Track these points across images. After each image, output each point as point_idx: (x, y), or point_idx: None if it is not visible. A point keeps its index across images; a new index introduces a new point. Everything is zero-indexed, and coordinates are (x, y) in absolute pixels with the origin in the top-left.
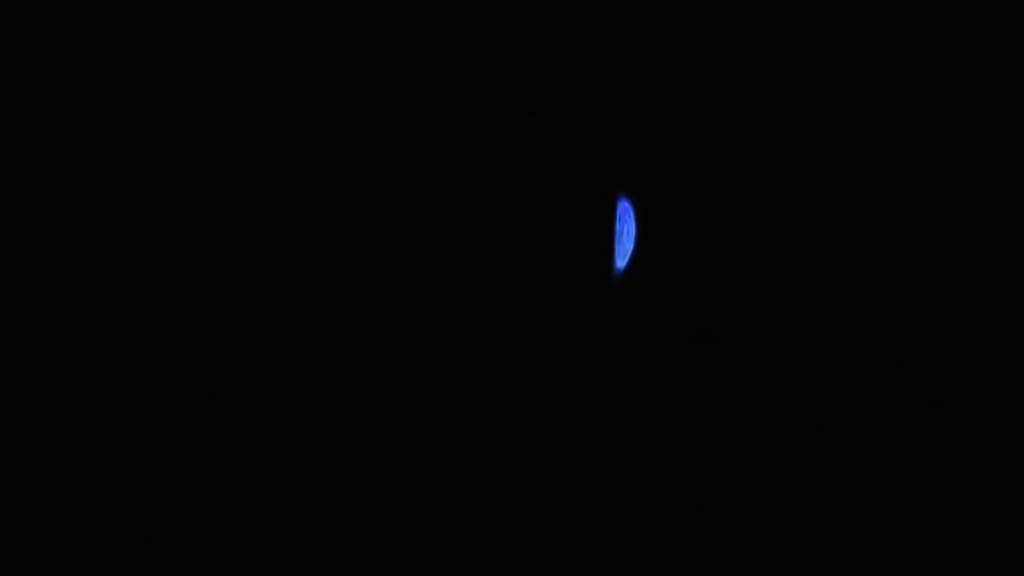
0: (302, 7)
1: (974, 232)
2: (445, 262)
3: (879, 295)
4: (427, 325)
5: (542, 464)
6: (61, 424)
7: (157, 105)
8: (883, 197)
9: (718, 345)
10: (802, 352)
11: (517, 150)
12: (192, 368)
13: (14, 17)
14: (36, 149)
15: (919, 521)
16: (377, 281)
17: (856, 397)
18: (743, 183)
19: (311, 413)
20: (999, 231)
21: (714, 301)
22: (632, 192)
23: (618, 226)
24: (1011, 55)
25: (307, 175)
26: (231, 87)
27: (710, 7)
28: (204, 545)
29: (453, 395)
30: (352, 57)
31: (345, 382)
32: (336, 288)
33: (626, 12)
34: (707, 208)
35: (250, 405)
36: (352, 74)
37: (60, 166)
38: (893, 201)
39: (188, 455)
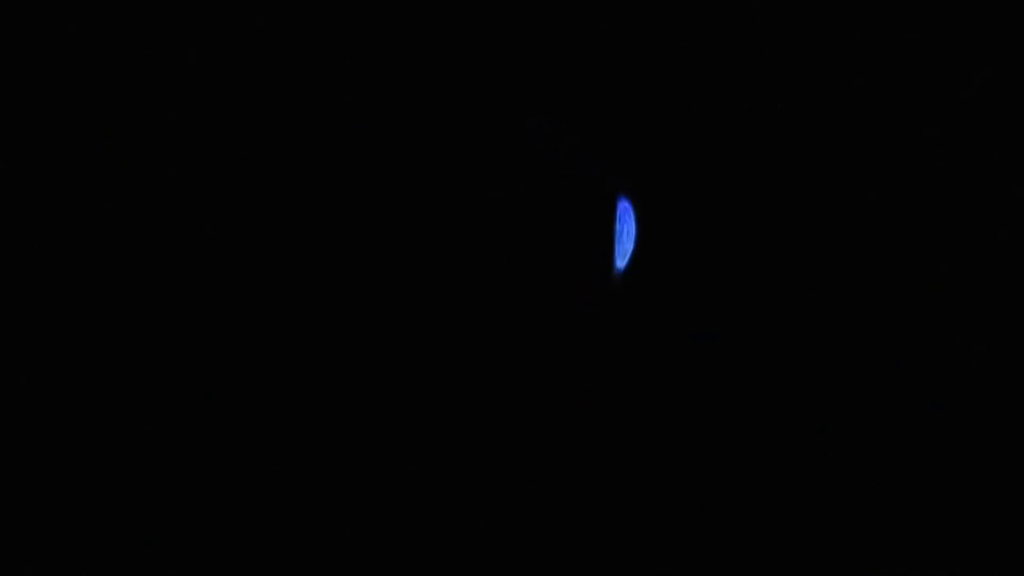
0: (302, 7)
1: (974, 232)
2: (445, 262)
3: (879, 295)
4: (427, 324)
5: (542, 464)
6: (61, 424)
7: (157, 105)
8: (883, 197)
9: (718, 345)
10: (802, 352)
11: (517, 150)
12: (192, 368)
13: (14, 17)
14: (36, 149)
15: (919, 521)
16: (377, 281)
17: (856, 397)
18: (743, 183)
19: (311, 413)
20: (999, 231)
21: (714, 301)
22: (632, 192)
23: (618, 226)
24: (1011, 55)
25: (307, 175)
26: (231, 87)
27: (710, 7)
28: (204, 545)
29: (453, 394)
30: (352, 57)
31: (345, 381)
32: (336, 288)
33: (626, 12)
34: (707, 208)
35: (250, 405)
36: (352, 74)
37: (60, 166)
38: (893, 201)
39: (188, 455)
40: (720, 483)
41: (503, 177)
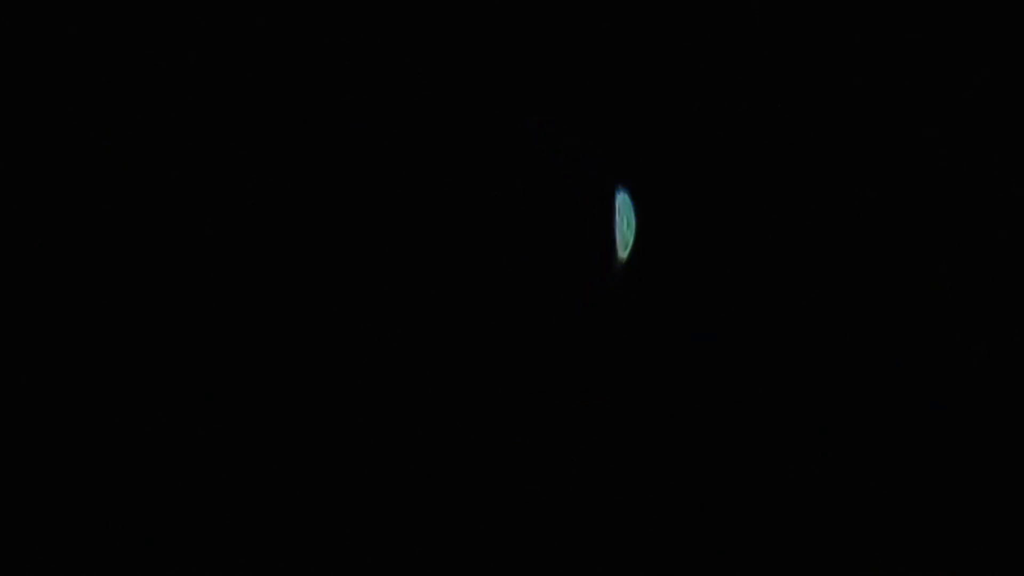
0: (302, 7)
1: (974, 232)
2: (445, 262)
3: (879, 295)
4: (427, 324)
5: (542, 463)
6: (61, 424)
7: (157, 105)
8: (883, 197)
9: (718, 344)
10: (802, 351)
11: (517, 150)
12: (192, 368)
13: (14, 17)
14: (36, 149)
15: (919, 521)
16: (378, 280)
17: (856, 397)
18: (743, 183)
19: (311, 413)
20: (999, 231)
21: (714, 301)
22: (632, 192)
23: (618, 217)
24: (1011, 55)
25: (307, 175)
26: (231, 87)
27: (710, 7)
28: (204, 545)
29: (453, 394)
30: (352, 57)
31: (344, 381)
32: (335, 288)
33: (626, 12)
34: (707, 209)
35: (250, 405)
36: (352, 74)
37: (60, 166)
38: (893, 201)
39: (188, 455)
40: (720, 483)
41: (503, 177)
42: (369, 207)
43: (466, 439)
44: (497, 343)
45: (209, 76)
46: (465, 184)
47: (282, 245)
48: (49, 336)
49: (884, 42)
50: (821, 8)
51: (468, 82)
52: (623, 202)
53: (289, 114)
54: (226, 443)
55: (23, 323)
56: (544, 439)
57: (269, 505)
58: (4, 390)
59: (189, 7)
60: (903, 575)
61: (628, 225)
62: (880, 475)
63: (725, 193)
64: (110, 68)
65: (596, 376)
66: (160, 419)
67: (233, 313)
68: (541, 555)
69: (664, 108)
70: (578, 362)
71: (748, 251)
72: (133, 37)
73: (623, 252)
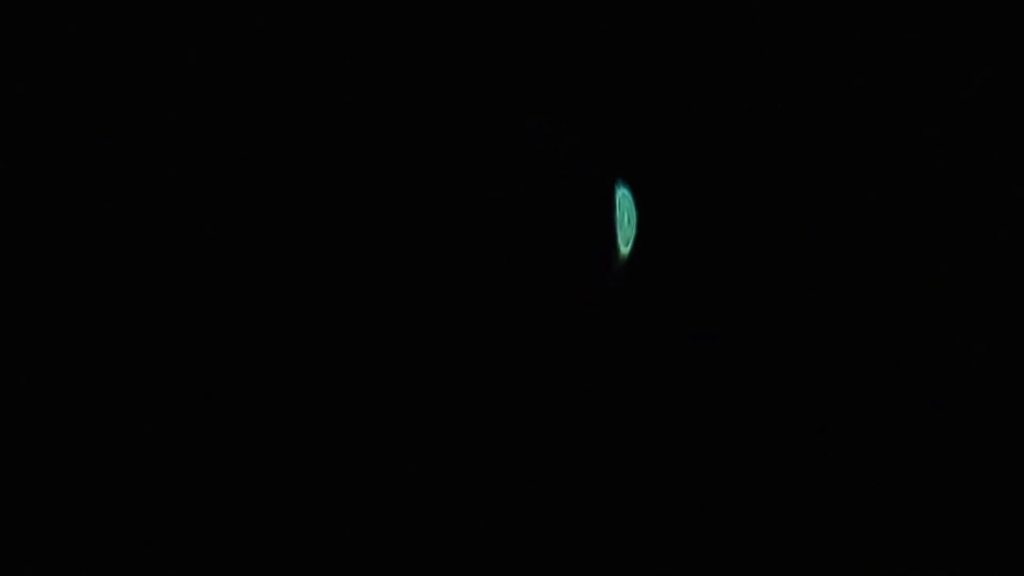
0: (302, 7)
1: (974, 232)
2: (446, 262)
3: (879, 295)
4: (428, 324)
5: (542, 463)
6: (61, 424)
7: (157, 105)
8: (883, 197)
9: (718, 344)
10: (802, 351)
11: (517, 150)
12: (192, 368)
13: (14, 17)
14: (36, 149)
15: (919, 521)
16: (378, 280)
17: (856, 397)
18: (743, 184)
19: (311, 413)
20: (999, 231)
21: (714, 301)
22: (632, 191)
23: (618, 213)
24: (1011, 55)
25: (307, 175)
26: (231, 87)
27: (710, 7)
28: (204, 545)
29: (453, 393)
30: (352, 57)
31: (345, 381)
32: (336, 287)
33: (626, 12)
34: (707, 209)
35: (250, 405)
36: (352, 74)
37: (60, 166)
38: (893, 201)
39: (188, 455)
40: (720, 482)
41: (503, 177)
42: (369, 207)
43: (466, 438)
44: (497, 343)
45: (209, 76)
46: (465, 184)
47: (282, 244)
48: (49, 336)
49: (884, 42)
50: (821, 8)
51: (468, 82)
52: (623, 197)
53: (289, 114)
54: (226, 443)
55: (23, 323)
56: (544, 439)
57: (269, 505)
58: (4, 390)
59: (189, 7)
60: (903, 575)
61: (629, 221)
62: (880, 475)
63: (725, 193)
64: (110, 68)
65: (596, 375)
66: (160, 419)
67: (233, 312)
68: (541, 555)
69: (664, 108)
70: (578, 361)
71: (748, 251)
72: (133, 37)
73: (624, 248)
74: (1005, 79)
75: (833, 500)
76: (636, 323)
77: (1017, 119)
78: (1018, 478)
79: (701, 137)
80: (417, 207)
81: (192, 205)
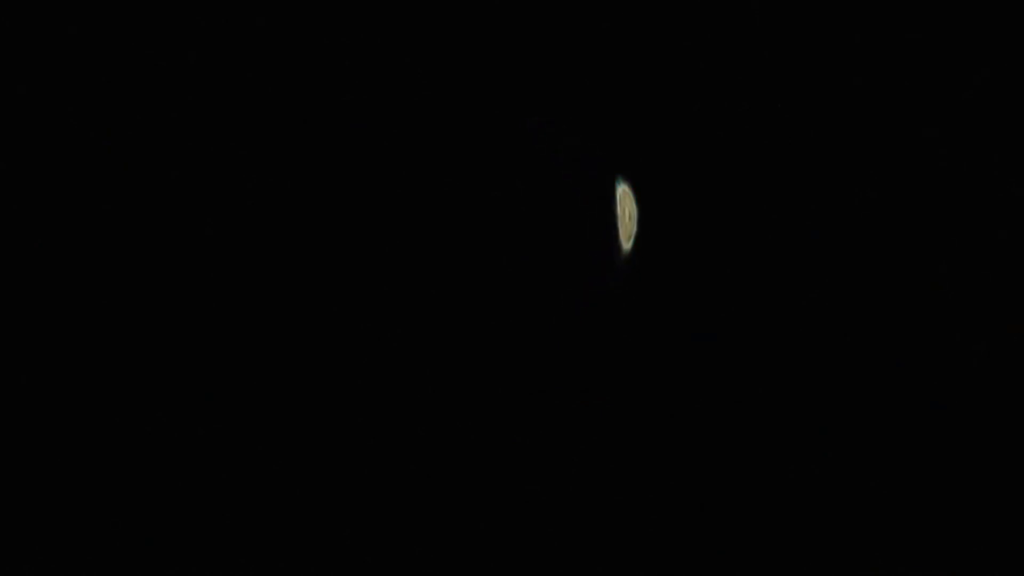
0: (302, 7)
1: (974, 232)
2: (446, 262)
3: (879, 295)
4: (428, 323)
5: (542, 463)
6: (61, 424)
7: (157, 105)
8: (883, 197)
9: (718, 344)
10: (802, 351)
11: (517, 150)
12: (192, 368)
13: (14, 17)
14: (36, 149)
15: (919, 521)
16: (378, 279)
17: (856, 397)
18: (743, 184)
19: (311, 413)
20: (999, 231)
21: (714, 300)
22: (633, 191)
23: (619, 209)
24: (1011, 55)
25: (307, 175)
26: (231, 87)
27: (710, 7)
28: (204, 545)
29: (454, 392)
30: (352, 57)
31: (345, 381)
32: (336, 287)
33: (626, 12)
34: (707, 209)
35: (250, 405)
36: (352, 74)
37: (60, 166)
38: (893, 201)
39: (188, 455)
40: (720, 482)
41: (503, 177)
42: (370, 207)
43: (466, 438)
44: (497, 342)
45: (209, 76)
46: (466, 184)
47: (282, 244)
48: (49, 336)
49: (884, 42)
50: (821, 8)
51: (468, 82)
52: (624, 193)
53: (289, 114)
54: (226, 443)
55: (23, 323)
56: (544, 438)
57: (269, 505)
58: (4, 390)
59: (189, 7)
60: (903, 575)
61: (631, 217)
62: (880, 475)
63: (725, 193)
64: (110, 68)
65: (597, 375)
66: (160, 418)
67: (233, 312)
68: (541, 555)
69: (664, 107)
70: (579, 360)
71: (748, 251)
72: (133, 37)
73: (626, 244)
74: (1005, 79)
75: (833, 500)
76: (637, 321)
77: (1017, 119)
78: (1018, 478)
79: (701, 137)
80: (418, 207)
81: (192, 205)
